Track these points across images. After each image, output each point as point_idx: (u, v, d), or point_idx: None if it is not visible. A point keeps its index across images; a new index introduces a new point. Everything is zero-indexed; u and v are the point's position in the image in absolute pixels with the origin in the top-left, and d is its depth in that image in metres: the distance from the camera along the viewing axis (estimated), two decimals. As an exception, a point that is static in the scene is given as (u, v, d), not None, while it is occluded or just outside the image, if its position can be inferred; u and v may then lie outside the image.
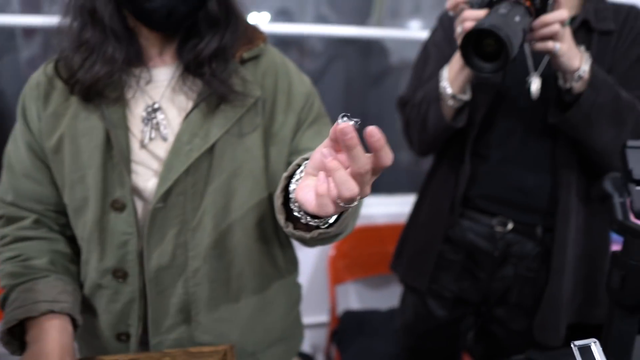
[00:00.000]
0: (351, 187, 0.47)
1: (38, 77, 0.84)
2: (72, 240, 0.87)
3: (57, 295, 0.78)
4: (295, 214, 0.60)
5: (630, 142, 0.75)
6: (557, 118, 0.97)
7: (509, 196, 1.09)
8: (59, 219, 0.86)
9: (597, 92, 0.91)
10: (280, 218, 0.65)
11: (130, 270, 0.82)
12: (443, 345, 1.26)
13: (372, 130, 0.44)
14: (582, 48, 0.93)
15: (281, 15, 2.09)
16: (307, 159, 0.59)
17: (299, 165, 0.62)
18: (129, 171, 0.79)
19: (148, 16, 0.75)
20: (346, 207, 0.50)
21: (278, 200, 0.65)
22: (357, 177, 0.47)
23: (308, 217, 0.59)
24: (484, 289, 1.16)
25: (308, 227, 0.63)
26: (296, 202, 0.58)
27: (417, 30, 2.15)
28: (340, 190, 0.47)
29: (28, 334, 0.75)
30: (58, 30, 0.79)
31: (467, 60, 0.86)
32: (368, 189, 0.50)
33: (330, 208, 0.49)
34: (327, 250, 1.82)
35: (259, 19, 1.95)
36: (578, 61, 0.90)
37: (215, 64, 0.79)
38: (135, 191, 0.80)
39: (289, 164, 0.85)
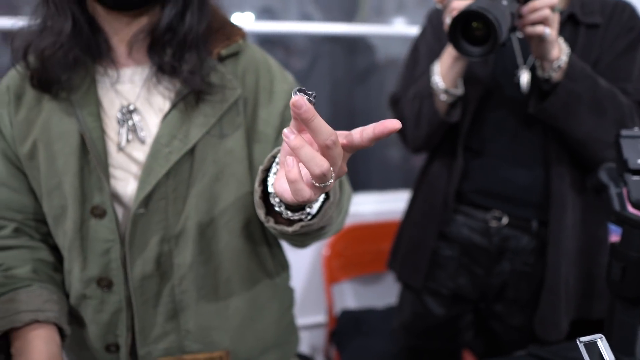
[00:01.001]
0: (319, 162, 0.45)
1: (7, 81, 0.80)
2: (55, 249, 0.84)
3: (42, 304, 0.75)
4: (276, 208, 0.58)
5: (625, 132, 0.75)
6: (536, 108, 0.98)
7: (503, 190, 1.08)
8: (40, 228, 0.83)
9: (574, 81, 0.92)
10: (260, 213, 0.63)
11: (115, 278, 0.79)
12: (443, 343, 1.25)
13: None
14: (561, 39, 0.93)
15: (265, 13, 2.07)
16: None
17: (274, 157, 0.61)
18: (107, 176, 0.76)
19: None
20: (323, 188, 0.48)
21: (256, 195, 0.63)
22: (325, 150, 0.46)
23: (289, 212, 0.58)
24: (481, 285, 1.15)
25: (290, 221, 0.61)
26: (276, 196, 0.56)
27: (401, 26, 2.15)
28: (309, 168, 0.46)
29: (13, 346, 0.72)
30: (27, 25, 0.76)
31: (456, 44, 0.86)
32: (343, 165, 0.48)
33: (306, 192, 0.48)
34: (321, 250, 1.80)
35: (243, 19, 1.93)
36: (557, 51, 0.91)
37: (185, 54, 0.76)
38: (115, 197, 0.78)
39: None
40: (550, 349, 0.79)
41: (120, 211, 0.79)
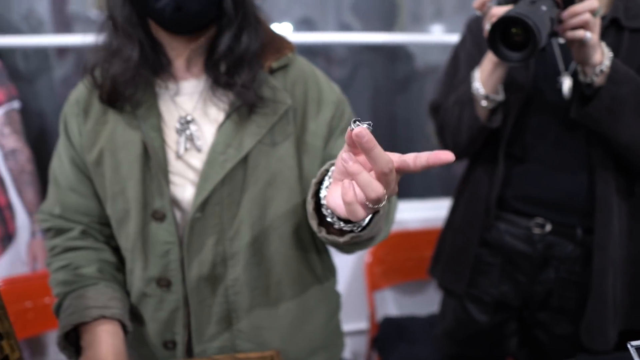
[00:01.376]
0: (376, 188, 0.48)
1: (77, 94, 0.87)
2: (116, 250, 0.90)
3: (107, 301, 0.81)
4: (328, 219, 0.61)
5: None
6: (578, 113, 0.96)
7: (546, 197, 1.07)
8: (104, 230, 0.90)
9: (617, 85, 0.91)
10: (313, 223, 0.67)
11: (173, 279, 0.84)
12: (486, 351, 1.24)
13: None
14: (603, 44, 0.92)
15: (303, 24, 2.11)
16: (334, 164, 0.61)
17: (327, 171, 0.63)
18: (167, 182, 0.81)
19: (159, 14, 0.75)
20: (376, 208, 0.50)
21: (309, 206, 0.66)
22: (382, 177, 0.48)
23: (341, 223, 0.60)
24: (524, 292, 1.13)
25: (341, 232, 0.64)
26: (328, 208, 0.59)
27: (439, 34, 2.15)
28: (365, 192, 0.48)
29: (82, 339, 0.79)
30: (94, 45, 0.82)
31: (495, 50, 0.87)
32: (395, 187, 0.51)
33: (360, 212, 0.50)
34: (363, 257, 1.82)
35: (282, 29, 1.97)
36: (599, 55, 0.90)
37: (239, 70, 0.80)
38: (174, 201, 0.83)
39: None
40: (599, 358, 0.77)
41: (178, 215, 0.83)
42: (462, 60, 1.16)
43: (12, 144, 1.59)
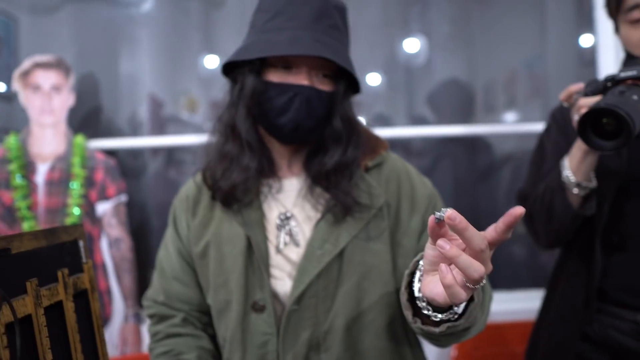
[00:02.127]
0: (477, 268, 0.49)
1: (187, 190, 0.96)
2: (212, 338, 0.94)
3: None
4: (424, 312, 0.62)
5: None
6: None
7: None
8: (202, 318, 0.94)
9: None
10: (408, 314, 0.67)
11: None
12: None
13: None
14: None
15: (379, 120, 2.21)
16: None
17: (418, 262, 0.65)
18: (268, 274, 0.85)
19: (278, 130, 0.84)
20: (476, 287, 0.52)
21: (403, 297, 0.67)
22: (479, 255, 0.50)
23: (437, 314, 0.61)
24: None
25: (437, 323, 0.64)
26: (423, 300, 0.61)
27: (513, 124, 2.17)
28: (468, 273, 0.50)
29: None
30: (206, 146, 0.91)
31: (587, 140, 0.86)
32: (490, 265, 0.52)
33: (462, 294, 0.52)
34: (449, 351, 1.74)
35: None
36: None
37: (340, 177, 0.85)
38: (273, 293, 0.86)
39: None
40: None
41: (277, 307, 0.86)
42: (549, 149, 1.16)
43: (117, 234, 1.73)
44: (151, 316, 0.96)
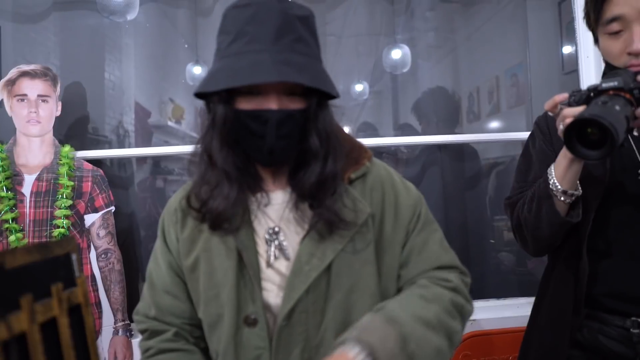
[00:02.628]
0: None
1: (175, 203, 0.94)
2: (205, 352, 0.93)
3: None
4: None
5: None
6: None
7: None
8: (194, 332, 0.93)
9: None
10: None
11: None
12: None
13: None
14: None
15: (366, 128, 2.23)
16: None
17: None
18: (260, 288, 0.85)
19: (254, 155, 0.84)
20: None
21: None
22: None
23: None
24: (626, 397, 1.05)
25: None
26: None
27: (497, 133, 2.20)
28: None
29: None
30: (188, 165, 0.90)
31: (572, 150, 0.88)
32: None
33: None
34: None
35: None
36: None
37: (322, 193, 0.84)
38: (266, 306, 0.85)
39: (398, 277, 0.89)
40: None
41: (270, 320, 0.86)
42: (535, 157, 1.18)
43: (105, 246, 1.71)
44: (142, 331, 0.95)
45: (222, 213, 0.84)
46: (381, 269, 0.87)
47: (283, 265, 0.86)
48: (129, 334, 1.73)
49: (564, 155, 1.01)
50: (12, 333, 0.53)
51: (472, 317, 1.88)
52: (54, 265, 0.67)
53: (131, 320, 1.70)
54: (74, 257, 0.71)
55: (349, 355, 0.72)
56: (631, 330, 1.03)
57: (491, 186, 2.26)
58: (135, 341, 1.73)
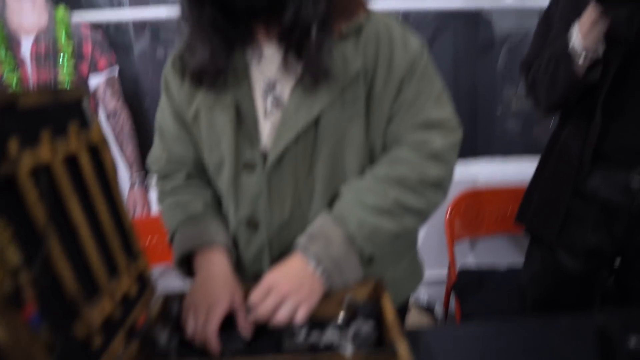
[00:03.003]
0: None
1: (174, 59, 0.94)
2: (215, 192, 0.99)
3: (216, 231, 0.91)
4: None
5: None
6: None
7: None
8: (203, 175, 0.99)
9: None
10: None
11: (261, 221, 0.91)
12: (574, 297, 1.23)
13: None
14: None
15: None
16: None
17: None
18: (258, 137, 0.87)
19: (230, 10, 0.80)
20: None
21: None
22: None
23: None
24: (620, 243, 1.11)
25: None
26: None
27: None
28: None
29: (195, 263, 0.89)
30: (177, 25, 0.87)
31: (604, 2, 0.84)
32: None
33: None
34: (442, 211, 1.82)
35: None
36: None
37: (305, 41, 0.80)
38: (262, 154, 0.88)
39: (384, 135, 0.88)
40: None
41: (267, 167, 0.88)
42: (556, 18, 1.13)
43: (113, 106, 1.72)
44: (156, 173, 1.01)
45: (202, 69, 0.84)
46: (370, 123, 0.87)
47: (278, 117, 0.87)
48: (145, 186, 1.80)
49: (589, 14, 0.97)
50: (38, 161, 0.55)
51: (473, 174, 1.97)
52: (67, 110, 0.67)
53: (146, 173, 1.77)
54: (85, 101, 0.71)
55: (299, 263, 0.81)
56: (631, 183, 1.06)
57: (503, 57, 2.19)
58: (152, 193, 1.82)
